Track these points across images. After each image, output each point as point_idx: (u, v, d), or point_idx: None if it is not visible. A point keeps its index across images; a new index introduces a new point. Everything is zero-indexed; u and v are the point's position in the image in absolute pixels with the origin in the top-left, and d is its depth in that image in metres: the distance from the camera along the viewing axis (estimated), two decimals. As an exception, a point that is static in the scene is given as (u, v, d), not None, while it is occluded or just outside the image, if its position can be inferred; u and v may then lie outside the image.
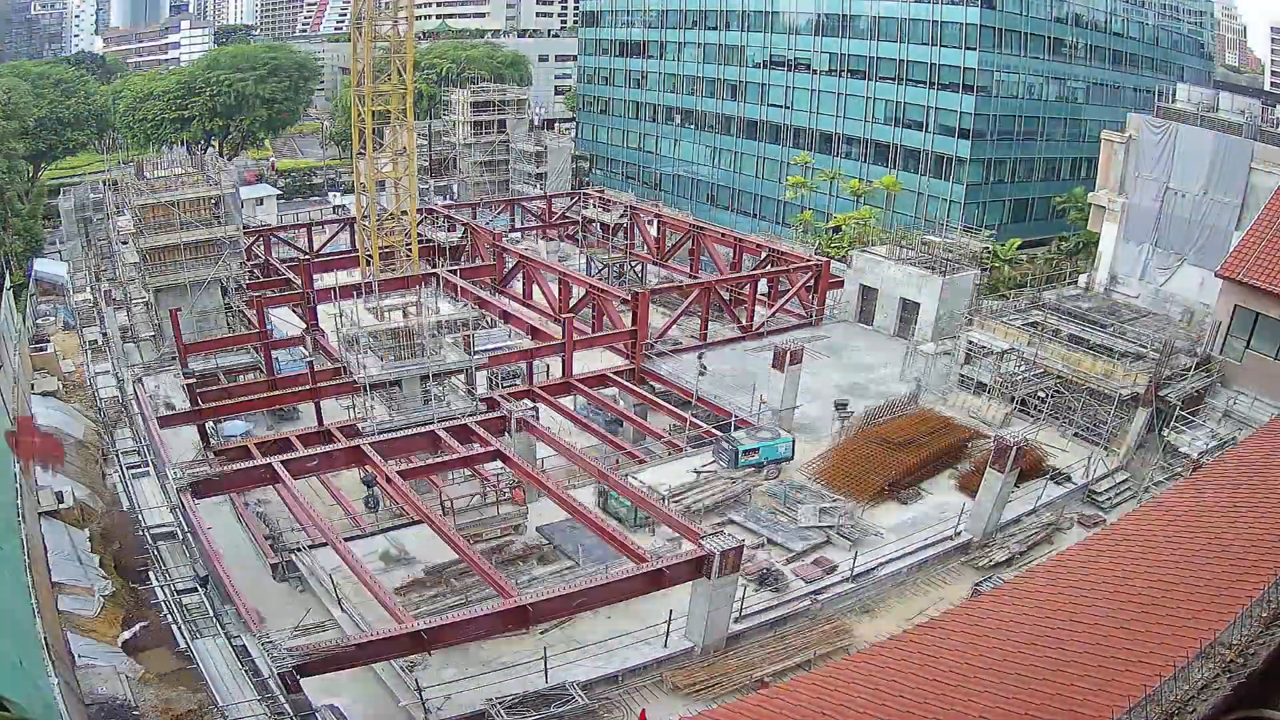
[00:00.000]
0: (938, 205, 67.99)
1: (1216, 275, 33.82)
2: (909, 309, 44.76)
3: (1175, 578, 13.32)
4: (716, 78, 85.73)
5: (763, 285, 49.36)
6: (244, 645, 21.18)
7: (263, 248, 56.57)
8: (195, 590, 24.12)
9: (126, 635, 22.66)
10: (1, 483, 24.11)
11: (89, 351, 44.02)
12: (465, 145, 78.44)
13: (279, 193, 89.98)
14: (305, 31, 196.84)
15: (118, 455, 33.53)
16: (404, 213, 49.16)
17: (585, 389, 39.62)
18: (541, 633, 23.59)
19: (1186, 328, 37.11)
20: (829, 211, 70.53)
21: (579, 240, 61.94)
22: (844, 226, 62.69)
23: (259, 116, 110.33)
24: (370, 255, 47.47)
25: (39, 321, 50.21)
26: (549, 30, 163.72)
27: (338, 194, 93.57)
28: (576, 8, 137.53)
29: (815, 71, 76.82)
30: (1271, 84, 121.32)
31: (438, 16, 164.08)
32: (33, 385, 37.95)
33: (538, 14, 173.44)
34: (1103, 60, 72.08)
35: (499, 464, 29.10)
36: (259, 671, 19.75)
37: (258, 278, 51.20)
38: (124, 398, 38.47)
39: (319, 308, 44.34)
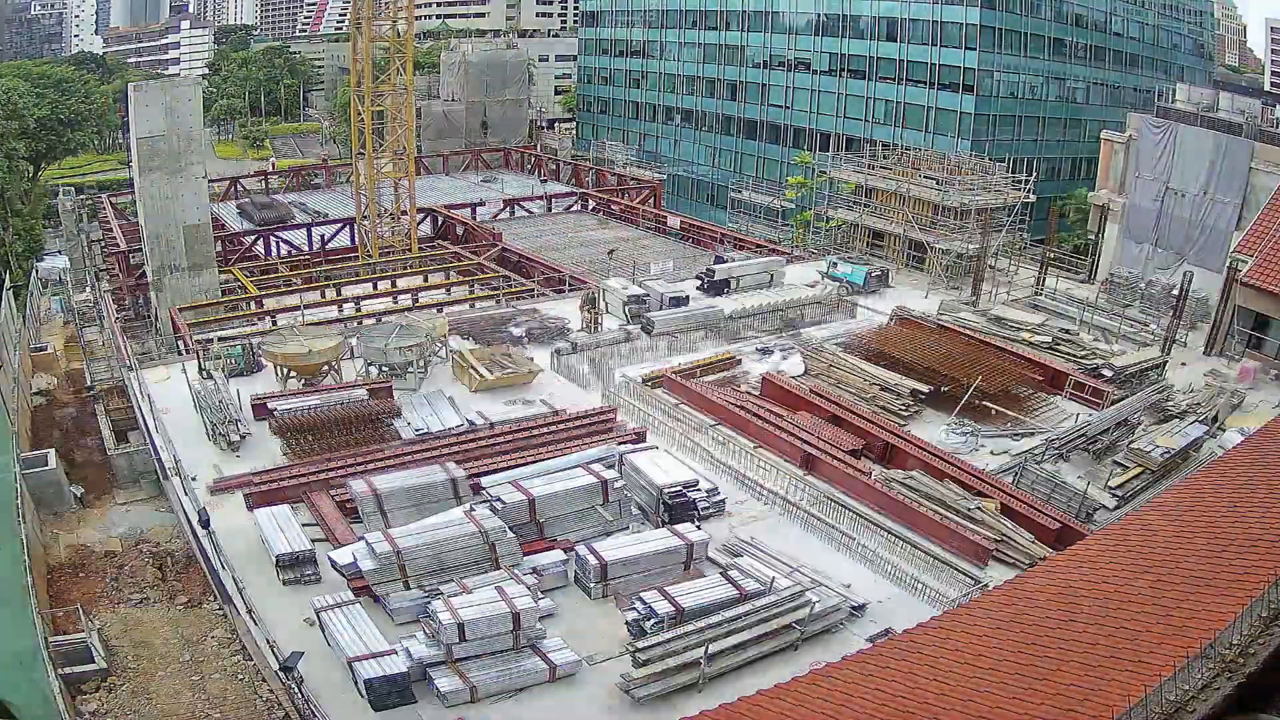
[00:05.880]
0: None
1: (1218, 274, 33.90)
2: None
3: (1175, 578, 13.28)
4: (716, 78, 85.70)
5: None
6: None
7: (262, 247, 56.49)
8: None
9: None
10: (1, 482, 24.12)
11: (87, 352, 43.94)
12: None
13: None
14: (305, 31, 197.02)
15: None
16: (404, 212, 49.22)
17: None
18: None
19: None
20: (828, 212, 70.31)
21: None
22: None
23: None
24: (370, 254, 47.49)
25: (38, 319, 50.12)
26: (549, 30, 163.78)
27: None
28: (576, 8, 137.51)
29: (815, 71, 76.85)
30: (1271, 84, 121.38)
31: (438, 16, 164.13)
32: (31, 385, 37.92)
33: (538, 14, 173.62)
34: (1103, 60, 72.06)
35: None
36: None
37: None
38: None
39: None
